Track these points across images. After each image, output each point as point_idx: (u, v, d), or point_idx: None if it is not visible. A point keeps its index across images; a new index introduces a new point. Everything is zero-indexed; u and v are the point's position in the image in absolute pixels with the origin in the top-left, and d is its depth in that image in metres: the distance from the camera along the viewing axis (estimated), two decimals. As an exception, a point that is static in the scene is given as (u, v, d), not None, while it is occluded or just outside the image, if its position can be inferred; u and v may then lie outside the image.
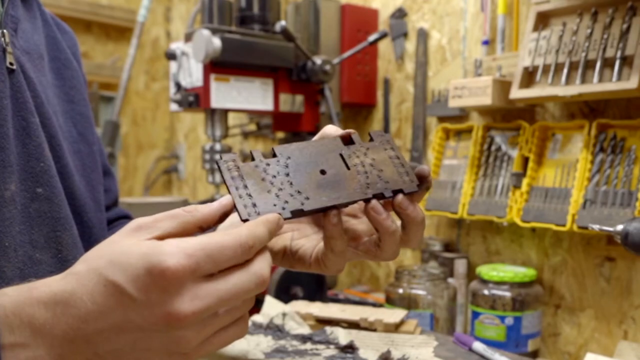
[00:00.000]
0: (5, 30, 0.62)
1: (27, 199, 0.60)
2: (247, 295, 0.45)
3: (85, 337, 0.43)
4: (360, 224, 0.61)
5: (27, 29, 0.68)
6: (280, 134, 1.66)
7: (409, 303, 1.17)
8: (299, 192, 0.52)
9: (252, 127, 1.98)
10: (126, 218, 0.88)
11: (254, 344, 0.94)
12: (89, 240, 0.68)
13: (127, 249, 0.43)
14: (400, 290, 1.18)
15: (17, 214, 0.59)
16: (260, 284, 0.45)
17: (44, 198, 0.62)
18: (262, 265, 0.46)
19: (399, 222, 0.57)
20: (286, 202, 0.51)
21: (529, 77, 1.14)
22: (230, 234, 0.45)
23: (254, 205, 0.50)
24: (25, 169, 0.61)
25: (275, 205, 0.50)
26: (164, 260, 0.42)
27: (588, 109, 1.15)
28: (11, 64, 0.61)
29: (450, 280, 1.25)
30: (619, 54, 1.00)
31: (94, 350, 0.44)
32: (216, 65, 1.29)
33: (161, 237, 0.45)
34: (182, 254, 0.42)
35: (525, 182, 1.16)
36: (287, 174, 0.53)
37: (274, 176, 0.52)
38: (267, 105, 1.38)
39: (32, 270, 0.59)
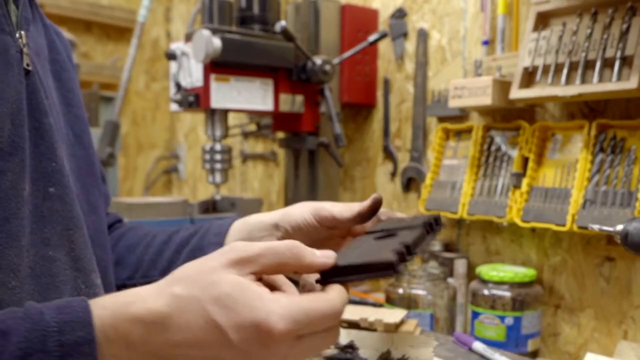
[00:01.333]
0: (23, 32, 0.63)
1: (39, 199, 0.61)
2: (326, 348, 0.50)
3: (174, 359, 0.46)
4: None
5: (33, 31, 0.68)
6: (280, 134, 1.66)
7: (409, 303, 1.17)
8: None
9: (252, 127, 1.98)
10: (119, 222, 0.89)
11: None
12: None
13: (234, 291, 0.45)
14: (400, 290, 1.18)
15: (29, 213, 0.60)
16: (333, 344, 0.53)
17: (56, 197, 0.62)
18: (339, 329, 0.50)
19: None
20: None
21: (528, 77, 1.14)
22: (329, 301, 0.48)
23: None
24: (37, 169, 0.61)
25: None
26: (273, 322, 0.44)
27: (588, 109, 1.15)
28: (28, 65, 0.62)
29: (450, 280, 1.25)
30: (618, 54, 1.00)
31: None
32: (216, 66, 1.29)
33: (259, 273, 0.48)
34: (290, 318, 0.45)
35: (525, 182, 1.16)
36: None
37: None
38: (267, 105, 1.38)
39: (46, 268, 0.60)
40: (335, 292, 0.49)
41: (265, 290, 0.46)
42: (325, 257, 0.50)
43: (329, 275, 0.51)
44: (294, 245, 0.50)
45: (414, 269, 1.22)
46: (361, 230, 0.72)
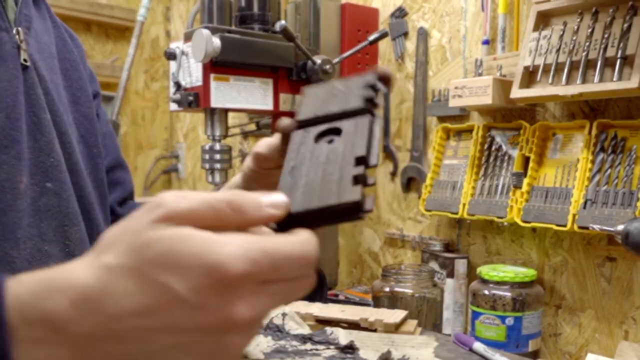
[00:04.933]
0: (20, 28, 0.64)
1: (37, 193, 0.62)
2: (298, 297, 0.42)
3: (117, 336, 0.38)
4: None
5: (39, 28, 0.70)
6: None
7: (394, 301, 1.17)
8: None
9: (252, 126, 1.97)
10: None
11: (254, 344, 0.93)
12: (96, 238, 0.69)
13: (173, 244, 0.37)
14: (387, 289, 1.18)
15: (27, 207, 0.60)
16: (306, 294, 0.42)
17: (53, 193, 0.63)
18: (314, 278, 0.42)
19: None
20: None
21: (529, 76, 1.13)
22: (294, 243, 0.40)
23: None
24: (35, 163, 0.62)
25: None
26: (226, 263, 0.37)
27: (589, 109, 1.14)
28: (25, 60, 0.63)
29: (449, 280, 1.25)
30: (619, 53, 1.00)
31: (126, 350, 0.39)
32: (216, 65, 1.29)
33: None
34: (247, 258, 0.37)
35: (525, 182, 1.15)
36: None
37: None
38: (267, 104, 1.38)
39: (41, 263, 0.60)
40: (304, 235, 0.41)
41: (211, 234, 0.38)
42: (273, 206, 0.42)
43: (285, 226, 0.42)
44: (234, 199, 0.40)
45: (401, 268, 1.22)
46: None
